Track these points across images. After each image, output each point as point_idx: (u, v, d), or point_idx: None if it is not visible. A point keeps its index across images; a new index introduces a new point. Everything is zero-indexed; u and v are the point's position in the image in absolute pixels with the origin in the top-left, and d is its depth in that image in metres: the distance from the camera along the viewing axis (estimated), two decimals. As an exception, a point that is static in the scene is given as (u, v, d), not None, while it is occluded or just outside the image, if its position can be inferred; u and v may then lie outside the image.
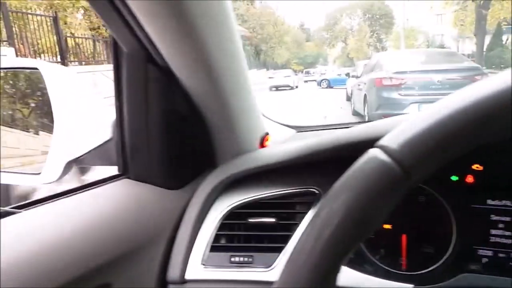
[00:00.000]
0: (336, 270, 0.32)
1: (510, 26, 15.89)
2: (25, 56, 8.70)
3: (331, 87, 15.38)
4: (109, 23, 0.58)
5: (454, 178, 0.61)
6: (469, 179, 0.61)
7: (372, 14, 38.07)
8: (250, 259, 0.66)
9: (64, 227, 0.54)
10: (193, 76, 0.63)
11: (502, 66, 13.35)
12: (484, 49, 15.11)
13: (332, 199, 0.34)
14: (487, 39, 15.39)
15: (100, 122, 0.74)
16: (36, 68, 0.66)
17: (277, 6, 32.94)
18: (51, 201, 0.60)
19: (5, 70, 0.71)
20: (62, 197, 0.62)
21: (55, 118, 0.66)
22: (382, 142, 0.33)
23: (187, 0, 0.49)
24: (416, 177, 0.32)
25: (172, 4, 0.49)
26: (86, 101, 0.73)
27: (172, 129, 0.69)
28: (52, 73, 0.67)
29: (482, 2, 14.83)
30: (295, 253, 0.32)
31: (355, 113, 7.19)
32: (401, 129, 0.33)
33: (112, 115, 0.73)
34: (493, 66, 13.28)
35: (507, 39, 16.60)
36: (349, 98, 8.82)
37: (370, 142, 0.36)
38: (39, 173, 0.68)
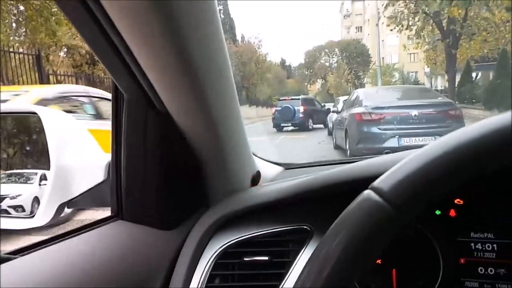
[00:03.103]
0: None
1: (478, 64, 16.87)
2: (5, 93, 8.57)
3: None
4: (110, 69, 0.61)
5: (437, 212, 0.64)
6: (452, 213, 0.64)
7: (349, 52, 39.74)
8: None
9: (60, 273, 0.53)
10: (191, 120, 0.66)
11: (473, 101, 14.01)
12: (456, 85, 15.89)
13: (330, 239, 0.37)
14: (458, 76, 16.23)
15: (94, 164, 0.76)
16: (35, 113, 0.68)
17: (259, 44, 33.93)
18: (46, 246, 0.59)
19: (4, 114, 0.72)
20: (56, 241, 0.62)
21: (52, 162, 0.67)
22: (375, 184, 0.37)
23: (192, 53, 0.53)
24: (406, 215, 0.35)
25: (177, 56, 0.52)
26: (81, 145, 0.74)
27: (168, 171, 0.71)
28: (51, 118, 0.68)
29: (450, 42, 15.77)
30: None
31: (337, 147, 7.33)
32: (391, 172, 0.37)
33: (105, 157, 0.75)
34: (465, 101, 13.91)
35: (476, 76, 17.55)
36: (330, 133, 9.00)
37: (360, 182, 0.40)
38: (32, 216, 0.68)
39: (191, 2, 0.49)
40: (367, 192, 0.37)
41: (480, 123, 0.37)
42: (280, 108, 12.61)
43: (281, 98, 14.45)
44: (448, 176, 0.35)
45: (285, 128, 12.68)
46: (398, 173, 0.36)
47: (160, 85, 0.60)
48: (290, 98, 13.53)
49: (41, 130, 0.68)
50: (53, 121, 0.69)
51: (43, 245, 0.60)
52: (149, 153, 0.67)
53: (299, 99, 13.13)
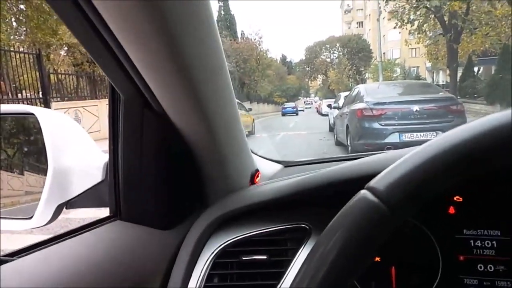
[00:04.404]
0: None
1: (480, 59, 16.82)
2: (5, 92, 8.62)
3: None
4: (107, 70, 0.61)
5: (437, 209, 0.64)
6: (451, 210, 0.64)
7: (351, 48, 39.67)
8: None
9: (59, 274, 0.53)
10: (188, 120, 0.66)
11: (475, 95, 13.98)
12: (457, 80, 15.84)
13: (326, 239, 0.37)
14: (460, 71, 16.19)
15: (92, 165, 0.76)
16: (32, 114, 0.68)
17: (260, 41, 33.92)
18: (44, 247, 0.59)
19: (1, 115, 0.72)
20: (55, 242, 0.62)
21: (49, 162, 0.67)
22: (370, 184, 0.37)
23: (186, 51, 0.52)
24: (400, 215, 0.35)
25: (171, 54, 0.52)
26: (79, 145, 0.74)
27: (166, 171, 0.71)
28: (48, 119, 0.68)
29: (452, 36, 15.71)
30: None
31: (338, 143, 7.33)
32: (387, 172, 0.37)
33: (103, 157, 0.75)
34: (467, 96, 13.89)
35: (478, 71, 17.50)
36: (331, 129, 9.00)
37: (357, 181, 0.40)
38: (30, 217, 0.68)
39: (185, 2, 0.49)
40: (363, 192, 0.37)
41: (478, 121, 0.36)
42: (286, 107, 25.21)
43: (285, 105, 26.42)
44: (443, 175, 0.35)
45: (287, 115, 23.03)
46: (394, 173, 0.36)
47: (156, 85, 0.59)
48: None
49: (39, 131, 0.68)
50: (51, 122, 0.69)
51: (42, 247, 0.61)
52: (146, 153, 0.67)
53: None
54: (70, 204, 0.74)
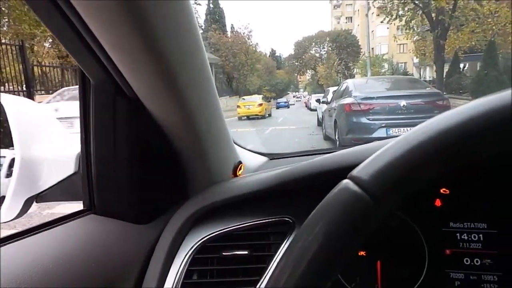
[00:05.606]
0: None
1: (466, 55, 17.05)
2: (-13, 85, 8.39)
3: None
4: (75, 54, 0.57)
5: (423, 202, 0.63)
6: (437, 202, 0.62)
7: (339, 43, 39.83)
8: None
9: (28, 269, 0.50)
10: (163, 107, 0.63)
11: (460, 91, 14.19)
12: (444, 76, 16.06)
13: (306, 231, 0.34)
14: (446, 67, 16.40)
15: (64, 155, 0.72)
16: (-4, 101, 0.63)
17: (249, 35, 33.79)
18: (13, 241, 0.56)
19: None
20: (23, 236, 0.58)
21: (16, 153, 0.63)
22: (353, 173, 0.34)
23: (158, 32, 0.49)
24: (385, 205, 0.33)
25: (142, 36, 0.48)
26: (50, 134, 0.70)
27: (141, 162, 0.67)
28: (15, 106, 0.64)
29: (439, 33, 15.87)
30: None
31: (327, 137, 7.35)
32: (370, 160, 0.34)
33: (77, 148, 0.71)
34: (453, 92, 14.08)
35: (464, 67, 17.74)
36: (320, 123, 9.03)
37: (341, 171, 0.37)
38: (-4, 211, 0.64)
39: None
40: (345, 182, 0.35)
41: (465, 106, 0.34)
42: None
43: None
44: (429, 163, 0.32)
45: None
46: (378, 161, 0.34)
47: (126, 69, 0.56)
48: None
49: (5, 120, 0.64)
50: (17, 109, 0.64)
51: (7, 242, 0.57)
52: (119, 142, 0.64)
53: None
54: (41, 197, 0.70)
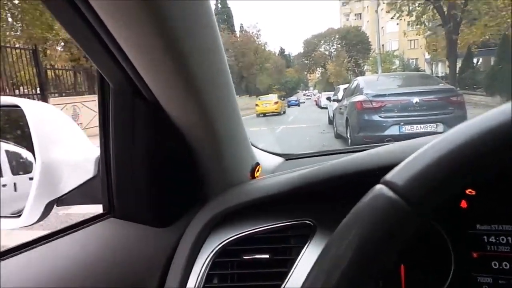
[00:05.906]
0: None
1: (479, 50, 16.73)
2: (2, 88, 8.57)
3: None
4: (94, 58, 0.57)
5: (448, 203, 0.61)
6: (463, 204, 0.60)
7: (349, 40, 39.48)
8: None
9: (51, 274, 0.51)
10: (182, 109, 0.62)
11: (474, 87, 13.92)
12: (457, 71, 15.78)
13: (340, 238, 0.33)
14: (459, 62, 16.11)
15: (84, 159, 0.72)
16: (18, 106, 0.64)
17: (258, 34, 33.80)
18: (34, 247, 0.56)
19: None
20: (45, 241, 0.58)
21: (37, 157, 0.63)
22: (386, 178, 0.33)
23: (178, 32, 0.48)
24: (424, 212, 0.31)
25: (163, 36, 0.48)
26: (69, 139, 0.70)
27: (160, 164, 0.67)
28: (35, 112, 0.64)
29: (451, 27, 15.59)
30: None
31: (338, 136, 7.29)
32: (406, 163, 0.33)
33: (96, 152, 0.71)
34: (466, 87, 13.83)
35: (477, 62, 17.42)
36: (331, 122, 8.96)
37: (365, 173, 0.36)
38: (19, 215, 0.64)
39: None
40: (379, 187, 0.33)
41: (499, 109, 0.32)
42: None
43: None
44: (471, 166, 0.31)
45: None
46: (414, 165, 0.32)
47: (146, 72, 0.55)
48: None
49: (25, 125, 0.64)
50: (38, 115, 0.65)
51: (31, 246, 0.57)
52: (138, 146, 0.63)
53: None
54: (61, 201, 0.70)
